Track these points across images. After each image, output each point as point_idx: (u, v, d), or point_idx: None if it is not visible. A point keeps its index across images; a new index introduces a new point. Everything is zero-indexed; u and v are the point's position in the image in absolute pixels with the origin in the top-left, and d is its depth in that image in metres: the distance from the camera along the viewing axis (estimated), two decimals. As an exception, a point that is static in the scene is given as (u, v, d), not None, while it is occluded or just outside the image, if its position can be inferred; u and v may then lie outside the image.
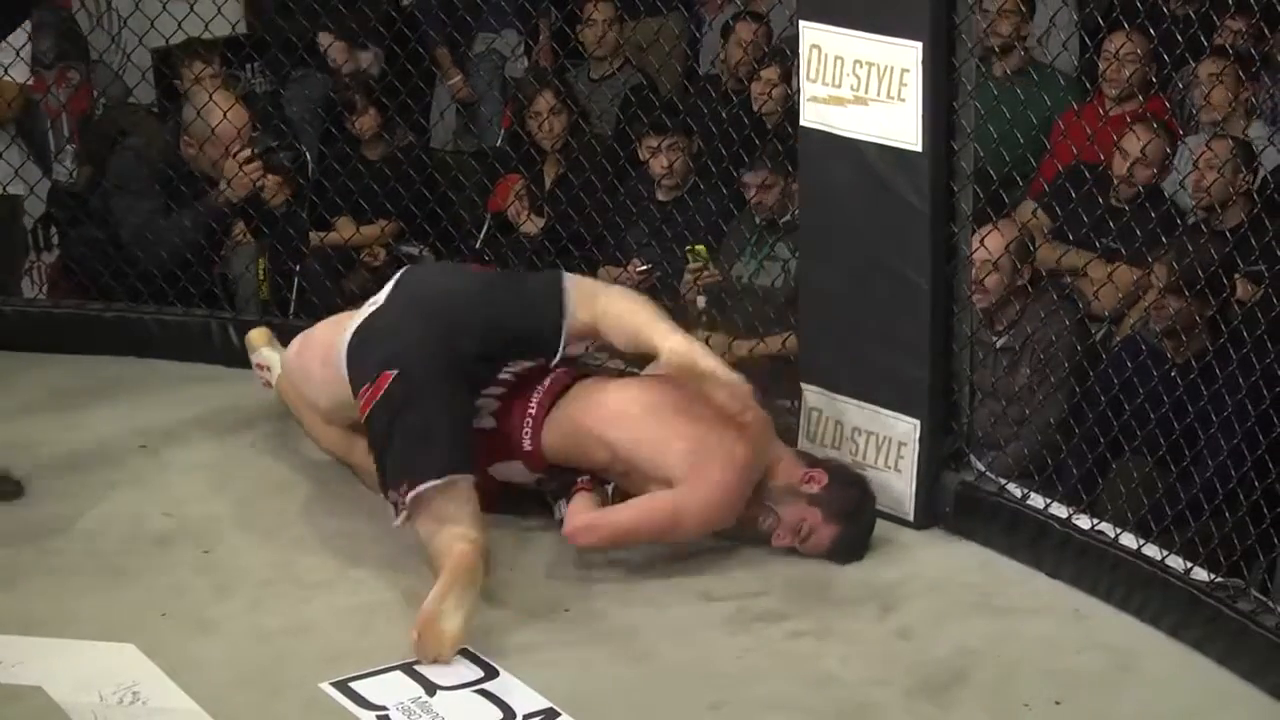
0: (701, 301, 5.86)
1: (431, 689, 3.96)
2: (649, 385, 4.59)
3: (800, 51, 4.66)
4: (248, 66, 6.87)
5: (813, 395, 4.82)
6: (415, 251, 6.43)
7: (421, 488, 4.27)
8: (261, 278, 6.15)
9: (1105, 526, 4.41)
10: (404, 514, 4.31)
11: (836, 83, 4.58)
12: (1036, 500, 4.56)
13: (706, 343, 5.50)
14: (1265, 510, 4.10)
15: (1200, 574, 4.17)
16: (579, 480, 4.51)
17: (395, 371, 4.35)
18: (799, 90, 4.69)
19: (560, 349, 4.51)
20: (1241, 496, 4.23)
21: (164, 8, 5.78)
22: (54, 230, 6.32)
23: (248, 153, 5.87)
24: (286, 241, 6.11)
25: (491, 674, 4.02)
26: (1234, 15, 5.82)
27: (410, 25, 6.27)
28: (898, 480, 4.69)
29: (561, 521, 4.48)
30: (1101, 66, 6.00)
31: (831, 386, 4.76)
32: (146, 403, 5.40)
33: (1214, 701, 3.96)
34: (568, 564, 4.47)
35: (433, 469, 4.29)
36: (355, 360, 4.46)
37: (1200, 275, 4.60)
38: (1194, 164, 5.38)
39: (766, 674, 4.06)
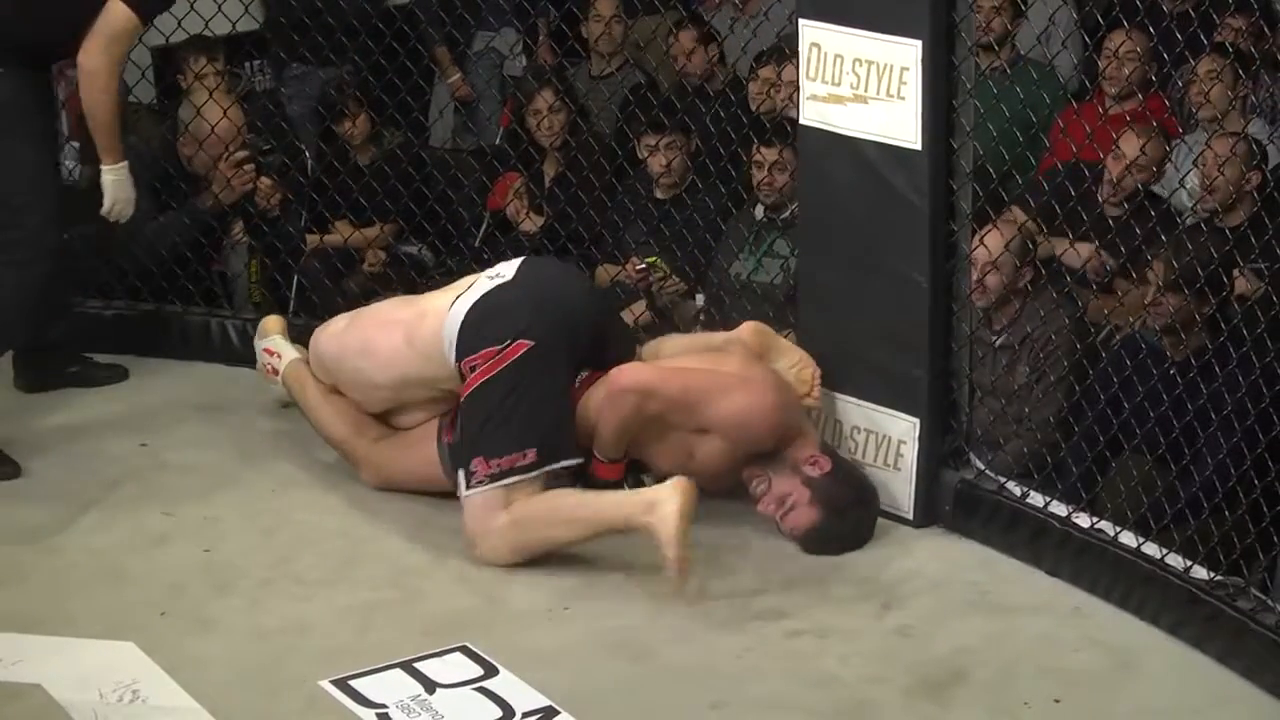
0: (700, 300, 5.85)
1: (431, 687, 3.97)
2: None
3: (800, 50, 4.66)
4: (246, 64, 6.86)
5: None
6: (415, 251, 6.43)
7: (552, 466, 4.43)
8: (253, 280, 6.15)
9: (1105, 525, 4.41)
10: (498, 480, 4.39)
11: (836, 81, 4.58)
12: (1036, 498, 4.56)
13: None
14: (1265, 508, 4.11)
15: (1200, 572, 4.17)
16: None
17: (531, 344, 4.42)
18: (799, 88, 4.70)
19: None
20: (1241, 495, 4.23)
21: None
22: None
23: (240, 156, 5.88)
24: (285, 242, 6.11)
25: (491, 672, 4.02)
26: (1233, 14, 5.81)
27: (409, 24, 6.26)
28: (897, 478, 4.69)
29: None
30: (1101, 65, 6.00)
31: (831, 385, 4.76)
32: (146, 401, 5.40)
33: (1213, 699, 3.96)
34: (568, 562, 4.47)
35: (567, 451, 4.45)
36: (480, 326, 4.50)
37: (1199, 272, 4.59)
38: (1194, 162, 5.37)
39: (766, 673, 4.06)
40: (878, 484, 4.67)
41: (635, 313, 5.92)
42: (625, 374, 4.51)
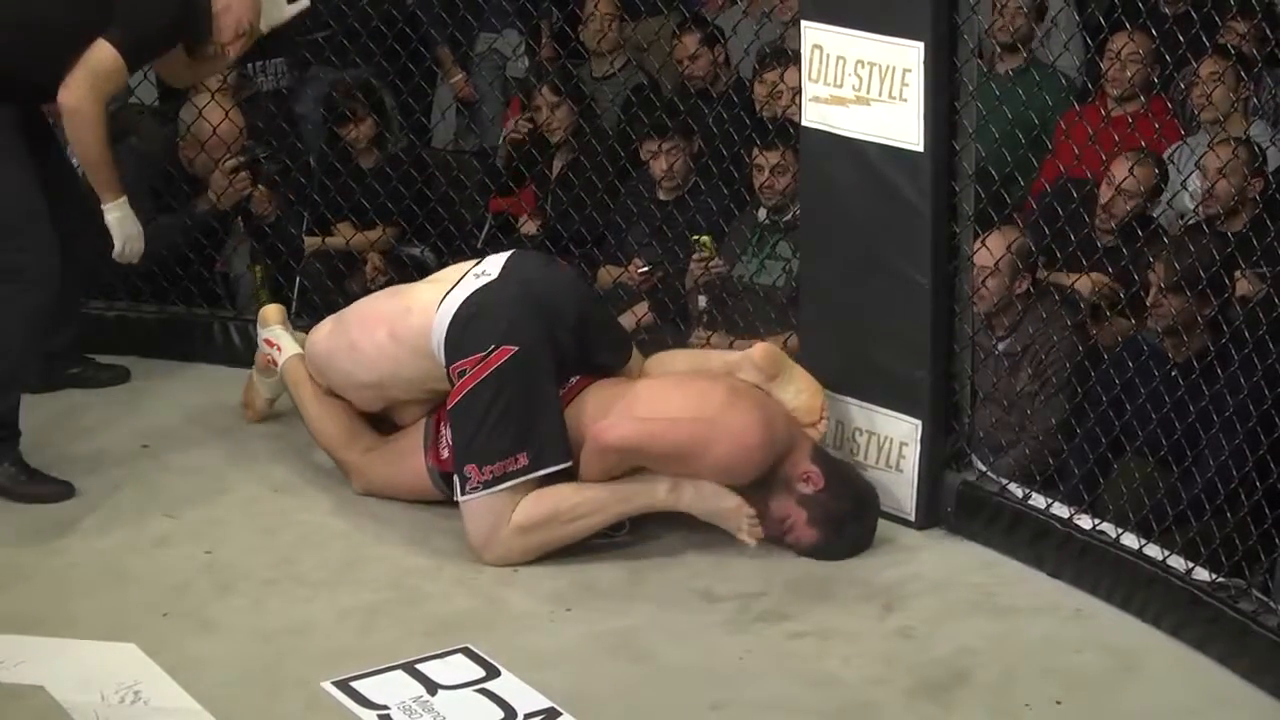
0: (702, 301, 5.85)
1: (433, 688, 3.97)
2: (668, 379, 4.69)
3: (802, 51, 4.66)
4: (251, 65, 6.85)
5: (813, 395, 4.82)
6: (418, 253, 6.43)
7: (543, 470, 4.42)
8: (258, 285, 6.16)
9: (1107, 526, 4.41)
10: (492, 487, 4.40)
11: (838, 83, 4.58)
12: (1038, 500, 4.56)
13: (708, 342, 5.55)
14: (1266, 510, 4.10)
15: (1202, 574, 4.17)
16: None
17: (515, 349, 4.42)
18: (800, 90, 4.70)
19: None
20: (1243, 496, 4.23)
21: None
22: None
23: (235, 162, 5.87)
24: (286, 244, 6.11)
25: (493, 673, 4.02)
26: (1235, 17, 5.81)
27: (412, 25, 6.26)
28: (899, 480, 4.69)
29: None
30: (1104, 66, 5.99)
31: (833, 386, 4.76)
32: (148, 403, 5.40)
33: (1215, 702, 3.96)
34: (569, 564, 4.47)
35: (559, 454, 4.44)
36: (465, 329, 4.49)
37: (1201, 274, 4.59)
38: (1196, 164, 5.36)
39: (767, 674, 4.06)
40: (879, 486, 4.66)
41: (638, 314, 5.92)
42: (611, 431, 4.44)
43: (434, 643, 4.13)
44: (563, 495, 4.46)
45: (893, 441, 4.70)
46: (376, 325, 4.69)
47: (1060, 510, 4.51)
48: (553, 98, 6.32)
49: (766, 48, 6.28)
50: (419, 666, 4.04)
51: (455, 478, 4.48)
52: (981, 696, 3.98)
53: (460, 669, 4.04)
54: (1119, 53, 5.94)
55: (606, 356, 4.67)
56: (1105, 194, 5.42)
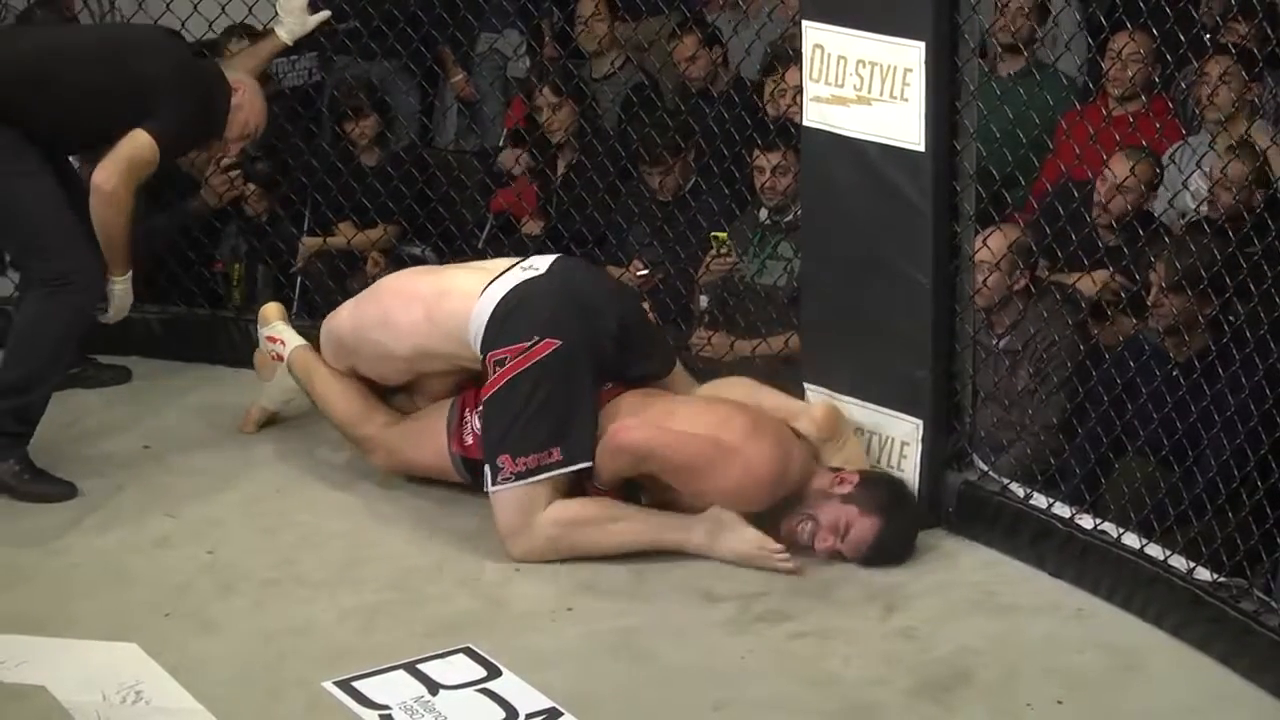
0: (704, 301, 5.85)
1: (434, 688, 3.97)
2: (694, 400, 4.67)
3: (803, 51, 4.66)
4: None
5: (815, 395, 4.82)
6: (419, 252, 6.43)
7: (576, 466, 4.44)
8: (235, 283, 6.17)
9: (1108, 526, 4.41)
10: (524, 479, 4.41)
11: (839, 82, 4.58)
12: (1039, 500, 4.56)
13: (709, 342, 5.55)
14: (1268, 510, 4.10)
15: (1203, 574, 4.17)
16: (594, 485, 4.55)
17: (559, 343, 4.44)
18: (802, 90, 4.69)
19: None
20: (1244, 496, 4.23)
21: (167, 7, 5.76)
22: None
23: (229, 160, 5.88)
24: (285, 242, 6.11)
25: (494, 673, 4.02)
26: (1237, 17, 5.80)
27: (414, 25, 6.25)
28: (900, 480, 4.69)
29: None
30: (1105, 66, 5.99)
31: (834, 386, 4.76)
32: (150, 403, 5.40)
33: (1216, 701, 3.96)
34: (571, 564, 4.47)
35: (590, 453, 4.45)
36: (507, 318, 4.50)
37: (1202, 273, 4.58)
38: (1197, 164, 5.35)
39: (769, 674, 4.06)
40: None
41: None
42: (627, 432, 4.46)
43: (435, 643, 4.13)
44: (605, 504, 4.50)
45: (894, 441, 4.70)
46: (412, 302, 4.71)
47: (1061, 510, 4.51)
48: (554, 98, 6.33)
49: (768, 47, 6.27)
50: (420, 666, 4.04)
51: (486, 468, 4.49)
52: (983, 696, 3.98)
53: (461, 669, 4.04)
54: (1120, 52, 5.93)
55: (645, 367, 4.68)
56: (1100, 190, 5.42)
